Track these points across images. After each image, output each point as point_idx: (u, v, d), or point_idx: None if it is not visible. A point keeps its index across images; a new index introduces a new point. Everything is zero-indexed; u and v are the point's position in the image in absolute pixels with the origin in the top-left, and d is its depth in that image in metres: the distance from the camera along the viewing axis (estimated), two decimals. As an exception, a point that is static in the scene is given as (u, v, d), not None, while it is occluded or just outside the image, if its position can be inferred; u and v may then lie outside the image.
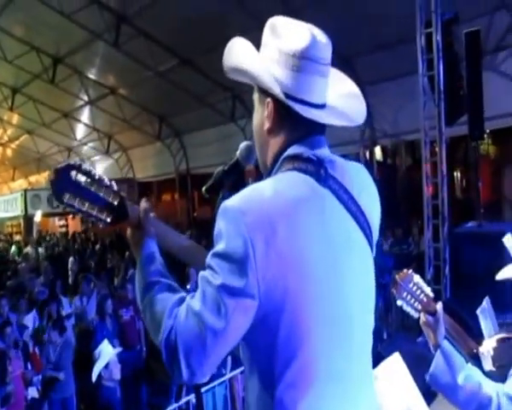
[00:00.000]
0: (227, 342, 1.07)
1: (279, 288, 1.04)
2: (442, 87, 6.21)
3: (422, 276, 6.42)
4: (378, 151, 13.78)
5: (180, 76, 11.29)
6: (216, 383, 4.68)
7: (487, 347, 2.11)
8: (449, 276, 6.21)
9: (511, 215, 9.58)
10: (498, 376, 1.88)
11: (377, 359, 2.14)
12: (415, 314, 1.88)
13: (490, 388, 1.75)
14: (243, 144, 1.38)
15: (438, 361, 1.80)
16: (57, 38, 11.50)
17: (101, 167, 19.56)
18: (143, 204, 1.32)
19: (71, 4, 9.75)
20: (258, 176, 1.24)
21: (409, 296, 1.88)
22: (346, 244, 1.13)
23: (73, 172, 1.23)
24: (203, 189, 1.38)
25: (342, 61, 10.08)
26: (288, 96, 1.13)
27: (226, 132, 12.61)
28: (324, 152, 1.18)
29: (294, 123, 1.15)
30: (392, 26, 7.70)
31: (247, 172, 1.43)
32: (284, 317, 1.04)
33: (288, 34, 1.13)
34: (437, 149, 6.46)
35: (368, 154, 11.67)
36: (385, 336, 6.02)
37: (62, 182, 1.23)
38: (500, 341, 2.14)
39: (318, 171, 1.13)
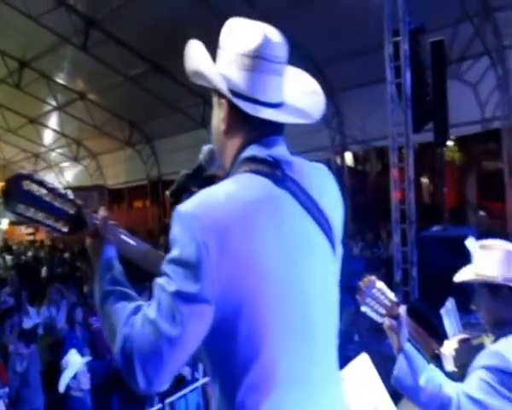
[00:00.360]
0: (184, 350, 1.05)
1: (236, 292, 1.03)
2: (409, 95, 6.36)
3: (391, 279, 6.51)
4: (349, 157, 14.00)
5: (151, 81, 11.25)
6: (188, 389, 4.65)
7: (449, 348, 2.16)
8: (416, 278, 6.36)
9: (474, 219, 9.89)
10: (459, 376, 1.93)
11: (348, 360, 2.18)
12: (379, 319, 1.93)
13: (450, 388, 1.80)
14: (206, 148, 1.38)
15: (401, 364, 1.85)
16: (23, 41, 11.28)
17: (70, 174, 19.24)
18: (102, 212, 1.32)
19: (38, 7, 9.56)
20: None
21: (373, 302, 1.93)
22: (305, 246, 1.12)
23: (25, 182, 1.22)
24: (167, 193, 1.37)
25: (314, 68, 10.25)
26: (241, 96, 1.12)
27: (197, 138, 12.59)
28: (282, 153, 1.16)
29: (250, 124, 1.14)
30: (362, 34, 7.87)
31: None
32: (242, 321, 1.03)
33: (241, 35, 1.13)
34: (405, 156, 6.62)
35: (339, 160, 11.85)
36: (356, 338, 6.09)
37: (14, 192, 1.22)
38: (461, 341, 2.19)
39: (275, 172, 1.12)
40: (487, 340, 2.00)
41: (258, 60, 1.11)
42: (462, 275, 2.05)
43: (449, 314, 3.24)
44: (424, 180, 13.84)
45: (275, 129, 1.17)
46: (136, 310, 1.11)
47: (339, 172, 11.66)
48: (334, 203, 1.23)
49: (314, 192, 1.15)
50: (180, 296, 1.02)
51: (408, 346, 1.88)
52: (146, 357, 1.04)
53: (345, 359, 2.15)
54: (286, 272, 1.07)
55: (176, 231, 1.06)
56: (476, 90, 8.33)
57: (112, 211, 17.68)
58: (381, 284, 1.95)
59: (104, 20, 9.97)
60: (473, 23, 7.60)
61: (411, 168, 6.47)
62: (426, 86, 6.50)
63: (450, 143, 12.42)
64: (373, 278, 1.97)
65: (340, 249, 1.26)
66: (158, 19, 8.89)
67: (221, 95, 1.15)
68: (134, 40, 10.26)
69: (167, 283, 1.05)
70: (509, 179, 8.28)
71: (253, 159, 1.13)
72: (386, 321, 1.91)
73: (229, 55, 1.13)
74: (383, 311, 1.92)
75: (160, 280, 1.07)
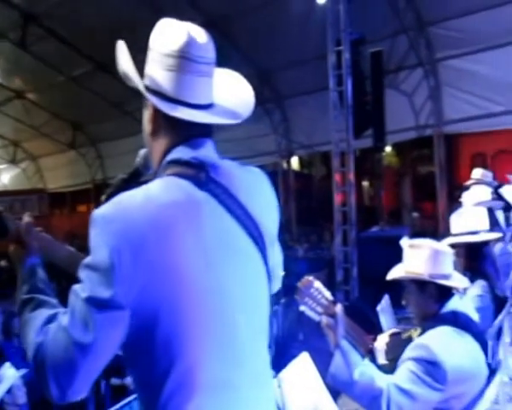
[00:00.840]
0: (98, 357, 1.02)
1: (152, 297, 1.00)
2: (350, 102, 6.68)
3: (334, 278, 6.76)
4: (295, 161, 14.31)
5: (96, 82, 10.87)
6: (133, 397, 4.62)
7: (381, 342, 2.27)
8: (356, 277, 6.66)
9: (409, 220, 10.42)
10: (390, 368, 2.06)
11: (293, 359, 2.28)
12: (316, 317, 2.02)
13: (382, 381, 1.92)
14: (142, 151, 1.34)
15: (337, 360, 1.93)
16: (-46, 36, 10.70)
17: (6, 177, 18.37)
18: (25, 218, 1.30)
19: (-30, 0, 8.99)
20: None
21: (310, 301, 2.02)
22: (226, 250, 1.09)
23: None
24: (102, 197, 1.33)
25: (261, 76, 10.46)
26: (165, 96, 1.10)
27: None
28: (208, 155, 1.14)
29: (175, 126, 1.12)
30: (307, 43, 8.13)
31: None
32: (160, 326, 1.01)
33: (166, 35, 1.11)
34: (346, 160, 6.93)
35: (285, 164, 12.12)
36: (300, 337, 6.27)
37: None
38: (391, 336, 2.30)
39: (198, 175, 1.09)
40: (415, 333, 2.11)
41: (183, 60, 1.09)
42: (394, 273, 2.19)
43: (384, 311, 3.47)
44: (365, 184, 14.41)
45: (202, 131, 1.14)
46: (53, 318, 1.07)
47: (285, 176, 11.92)
48: (266, 208, 1.21)
49: (242, 196, 1.13)
50: (93, 302, 0.99)
51: (344, 343, 1.96)
52: (58, 365, 1.01)
53: (290, 358, 2.21)
54: (205, 275, 1.05)
55: (91, 235, 1.03)
56: (411, 100, 8.79)
57: (53, 215, 17.07)
58: (318, 284, 2.04)
59: (44, 16, 9.45)
60: (408, 36, 8.05)
61: (352, 172, 6.79)
62: (366, 95, 6.85)
63: (388, 148, 13.05)
64: (311, 278, 2.07)
65: (274, 253, 1.24)
66: (103, 17, 8.62)
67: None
68: (77, 38, 9.80)
69: (81, 289, 1.02)
70: (440, 182, 8.83)
71: (177, 161, 1.11)
72: (324, 319, 1.99)
73: (154, 55, 1.12)
74: (320, 309, 2.00)
75: (75, 286, 1.04)
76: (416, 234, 7.79)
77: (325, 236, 10.13)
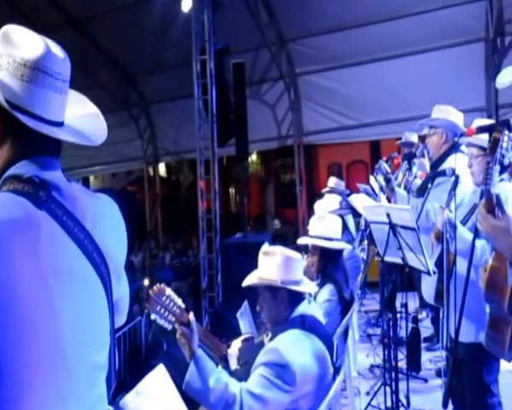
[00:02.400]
0: None
1: None
2: (215, 111, 6.75)
3: (199, 285, 6.68)
4: (162, 168, 14.08)
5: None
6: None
7: (234, 348, 2.31)
8: (221, 284, 6.73)
9: (272, 226, 10.87)
10: (243, 373, 2.08)
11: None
12: (168, 326, 1.99)
13: (235, 387, 1.94)
14: None
15: (192, 369, 1.92)
16: None
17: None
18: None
19: None
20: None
21: (162, 310, 1.98)
22: (62, 273, 1.04)
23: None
24: None
25: (127, 80, 10.10)
26: (16, 107, 1.04)
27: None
28: (54, 176, 1.08)
29: (22, 138, 1.07)
30: (173, 49, 8.05)
31: None
32: None
33: (22, 43, 1.07)
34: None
35: (152, 170, 11.85)
36: (164, 347, 6.15)
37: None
38: (244, 341, 2.35)
39: (37, 193, 1.03)
40: (266, 338, 2.18)
41: (38, 72, 1.05)
42: (248, 280, 2.22)
43: (243, 316, 3.52)
44: (232, 191, 14.73)
45: (49, 149, 1.10)
46: None
47: (151, 182, 11.67)
48: (114, 237, 1.19)
49: (88, 223, 1.10)
50: None
51: (199, 351, 1.96)
52: None
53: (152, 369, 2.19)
54: (37, 301, 0.99)
55: None
56: (274, 111, 9.21)
57: None
58: (169, 292, 2.02)
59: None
60: (270, 50, 8.41)
61: (217, 180, 6.86)
62: (229, 104, 6.97)
63: (254, 156, 13.51)
64: (162, 285, 2.03)
65: (120, 284, 1.22)
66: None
67: None
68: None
69: None
70: (300, 190, 9.35)
71: (17, 177, 1.05)
72: (178, 329, 1.97)
73: (4, 62, 1.06)
74: (173, 318, 1.98)
75: None
76: (277, 239, 8.16)
77: (193, 243, 10.12)
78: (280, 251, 2.21)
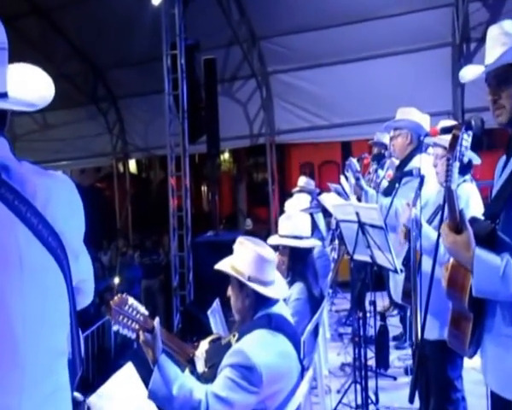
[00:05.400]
0: None
1: None
2: (185, 107, 6.68)
3: (170, 284, 6.61)
4: (133, 164, 13.86)
5: None
6: None
7: (201, 350, 2.25)
8: (192, 282, 6.68)
9: (244, 225, 10.86)
10: (209, 376, 2.04)
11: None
12: (132, 335, 1.92)
13: (200, 391, 1.89)
14: None
15: (155, 377, 1.86)
16: None
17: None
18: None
19: None
20: None
21: (125, 319, 1.92)
22: (14, 260, 1.01)
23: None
24: None
25: (95, 72, 9.89)
26: None
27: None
28: (2, 155, 1.05)
29: None
30: (144, 44, 7.93)
31: None
32: None
33: None
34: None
35: (121, 166, 11.65)
36: (135, 346, 6.06)
37: None
38: (211, 342, 2.30)
39: None
40: (233, 339, 2.12)
41: None
42: (221, 265, 2.17)
43: (214, 314, 3.48)
44: (204, 189, 14.65)
45: None
46: None
47: (121, 179, 11.47)
48: (69, 217, 1.14)
49: (39, 203, 1.06)
50: None
51: (162, 357, 1.90)
52: None
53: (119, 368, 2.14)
54: None
55: None
56: (246, 109, 9.19)
57: None
58: (132, 300, 1.95)
59: None
60: (242, 48, 8.37)
61: (187, 177, 6.79)
62: (200, 100, 6.92)
63: (227, 155, 13.47)
64: (124, 295, 1.97)
65: (79, 265, 1.19)
66: None
67: None
68: None
69: None
70: (272, 188, 9.35)
71: None
72: (141, 336, 1.91)
73: None
74: (136, 326, 1.92)
75: None
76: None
77: (164, 241, 10.00)
78: (254, 247, 2.15)
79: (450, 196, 1.57)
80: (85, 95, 9.93)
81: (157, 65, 6.99)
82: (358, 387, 3.53)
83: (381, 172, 4.59)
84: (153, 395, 1.88)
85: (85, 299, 1.28)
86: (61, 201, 1.13)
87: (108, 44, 8.60)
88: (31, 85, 1.14)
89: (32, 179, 1.07)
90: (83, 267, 1.21)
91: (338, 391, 3.98)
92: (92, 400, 1.93)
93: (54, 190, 1.12)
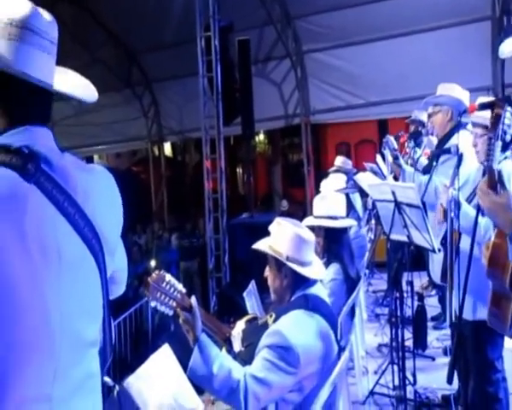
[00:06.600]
0: None
1: None
2: (220, 89, 6.68)
3: (206, 266, 6.67)
4: (168, 147, 14.00)
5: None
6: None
7: (237, 329, 2.28)
8: (228, 264, 6.74)
9: (279, 206, 10.83)
10: (246, 355, 2.07)
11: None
12: (169, 312, 1.95)
13: (239, 372, 1.92)
14: None
15: (195, 356, 1.88)
16: None
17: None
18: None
19: None
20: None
21: (163, 296, 1.94)
22: (51, 249, 1.01)
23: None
24: None
25: (130, 57, 10.00)
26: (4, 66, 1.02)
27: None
28: (45, 146, 1.06)
29: (11, 105, 1.05)
30: (178, 26, 7.95)
31: None
32: None
33: (6, 4, 1.05)
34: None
35: (156, 150, 11.80)
36: (172, 328, 6.21)
37: None
38: (248, 322, 2.33)
39: (26, 166, 1.00)
40: (270, 319, 2.14)
41: (26, 30, 1.03)
42: (259, 245, 2.19)
43: (250, 296, 3.52)
44: (239, 171, 14.67)
45: (39, 115, 1.08)
46: None
47: (156, 162, 11.62)
48: (108, 211, 1.16)
49: (78, 195, 1.07)
50: None
51: (203, 336, 1.93)
52: None
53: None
54: (23, 277, 0.96)
55: None
56: (280, 89, 9.10)
57: None
58: (169, 277, 1.98)
59: None
60: (276, 28, 8.27)
61: (222, 159, 6.82)
62: (235, 82, 6.89)
63: (261, 136, 13.42)
64: (161, 271, 1.99)
65: (115, 258, 1.20)
66: None
67: None
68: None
69: None
70: (307, 169, 9.29)
71: (5, 148, 1.01)
72: (181, 315, 1.93)
73: None
74: (174, 304, 1.95)
75: None
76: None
77: (200, 224, 10.13)
78: (292, 228, 2.16)
79: (491, 175, 1.53)
80: (120, 79, 10.04)
81: (191, 47, 6.99)
82: (396, 368, 3.52)
83: (418, 151, 4.49)
84: (192, 374, 1.91)
85: (119, 288, 1.30)
86: (100, 196, 1.14)
87: (142, 28, 8.66)
88: (75, 81, 1.17)
89: (73, 173, 1.08)
90: (118, 259, 1.23)
91: (375, 372, 3.98)
92: (130, 380, 1.97)
93: (93, 185, 1.13)
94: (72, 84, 1.15)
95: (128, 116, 10.37)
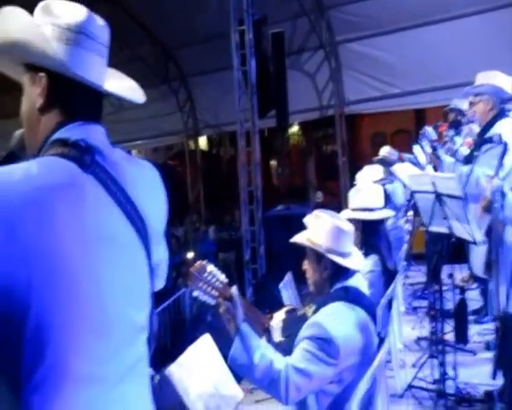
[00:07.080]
0: None
1: (22, 283, 0.94)
2: (254, 82, 6.69)
3: (242, 258, 6.72)
4: (203, 141, 14.13)
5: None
6: None
7: (276, 320, 2.30)
8: (264, 255, 6.78)
9: (314, 198, 10.77)
10: (286, 345, 2.09)
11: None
12: (212, 301, 1.98)
13: (280, 362, 1.93)
14: (17, 133, 1.27)
15: (236, 345, 1.91)
16: None
17: None
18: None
19: None
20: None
21: (205, 286, 1.98)
22: (107, 237, 1.06)
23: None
24: None
25: (165, 52, 10.13)
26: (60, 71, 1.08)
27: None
28: (99, 141, 1.12)
29: (68, 102, 1.11)
30: (211, 21, 7.99)
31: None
32: (30, 315, 0.94)
33: (63, 10, 1.11)
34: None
35: (192, 144, 11.93)
36: (209, 319, 6.28)
37: None
38: (287, 312, 2.34)
39: (83, 157, 1.06)
40: (309, 310, 2.16)
41: (81, 35, 1.10)
42: (297, 238, 2.20)
43: (286, 287, 3.54)
44: (273, 163, 14.68)
45: (92, 113, 1.15)
46: None
47: (192, 156, 11.77)
48: (154, 204, 1.20)
49: (129, 188, 1.11)
50: None
51: (244, 326, 1.94)
52: None
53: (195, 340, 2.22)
54: (82, 263, 1.00)
55: None
56: (314, 80, 9.03)
57: None
58: (211, 268, 2.01)
59: None
60: (309, 19, 8.21)
61: (257, 152, 6.84)
62: (269, 75, 6.89)
63: (295, 128, 13.37)
64: (204, 262, 2.03)
65: (158, 251, 1.23)
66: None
67: (36, 68, 1.09)
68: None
69: None
70: (342, 160, 9.19)
71: (63, 141, 1.07)
72: (222, 304, 1.96)
73: (46, 30, 1.08)
74: (216, 293, 1.98)
75: None
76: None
77: (236, 216, 10.21)
78: (331, 219, 2.17)
79: None
80: (157, 75, 10.19)
81: (225, 41, 7.03)
82: (435, 361, 3.46)
83: (458, 140, 4.38)
84: (233, 363, 1.94)
85: (159, 282, 1.33)
86: (147, 188, 1.18)
87: (177, 24, 8.75)
88: (124, 83, 1.23)
89: (124, 166, 1.14)
90: (161, 250, 1.27)
91: (413, 365, 3.93)
92: (172, 368, 2.01)
93: (142, 177, 1.18)
94: (124, 86, 1.21)
95: (164, 111, 10.52)
